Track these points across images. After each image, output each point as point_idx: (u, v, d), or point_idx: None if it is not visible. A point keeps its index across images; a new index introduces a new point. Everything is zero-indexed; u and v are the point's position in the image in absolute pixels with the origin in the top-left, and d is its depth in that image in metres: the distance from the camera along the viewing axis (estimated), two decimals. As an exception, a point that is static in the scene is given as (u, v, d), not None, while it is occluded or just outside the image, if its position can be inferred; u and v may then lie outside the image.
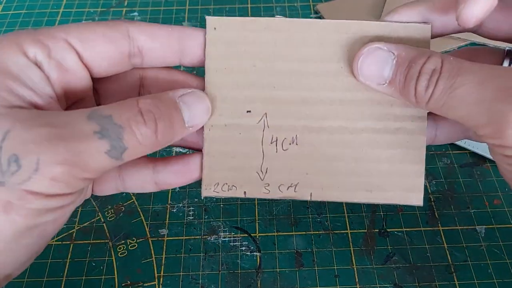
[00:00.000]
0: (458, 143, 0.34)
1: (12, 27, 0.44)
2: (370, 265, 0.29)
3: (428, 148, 0.34)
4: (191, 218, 0.31)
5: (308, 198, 0.25)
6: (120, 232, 0.31)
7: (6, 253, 0.20)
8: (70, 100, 0.23)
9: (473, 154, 0.34)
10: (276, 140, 0.25)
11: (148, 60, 0.24)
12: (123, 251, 0.30)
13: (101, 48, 0.23)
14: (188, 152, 0.26)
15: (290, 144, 0.25)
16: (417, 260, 0.29)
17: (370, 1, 0.45)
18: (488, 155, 0.33)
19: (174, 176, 0.25)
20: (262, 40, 0.25)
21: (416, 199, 0.25)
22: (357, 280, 0.28)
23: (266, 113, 0.25)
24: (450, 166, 0.34)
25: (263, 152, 0.25)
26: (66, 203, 0.21)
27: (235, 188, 0.25)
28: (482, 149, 0.33)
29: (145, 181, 0.25)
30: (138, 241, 0.30)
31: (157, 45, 0.24)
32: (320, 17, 0.44)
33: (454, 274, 0.29)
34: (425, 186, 0.32)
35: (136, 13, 0.45)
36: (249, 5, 0.46)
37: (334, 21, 0.25)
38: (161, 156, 0.34)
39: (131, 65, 0.24)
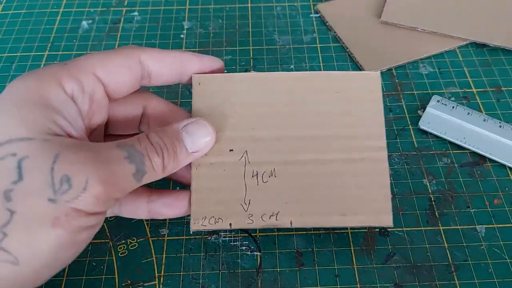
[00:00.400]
0: (458, 142, 0.34)
1: (12, 26, 0.44)
2: (370, 265, 0.29)
3: (429, 147, 0.34)
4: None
5: (289, 226, 0.27)
6: (120, 232, 0.31)
7: (46, 266, 0.22)
8: (89, 130, 0.26)
9: (474, 154, 0.34)
10: (257, 174, 0.28)
11: (154, 81, 0.28)
12: (124, 250, 0.30)
13: (122, 77, 0.26)
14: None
15: (269, 176, 0.28)
16: (417, 259, 0.29)
17: (370, 1, 0.45)
18: (489, 155, 0.33)
19: (165, 208, 0.28)
20: (240, 90, 0.29)
21: (386, 221, 0.27)
22: (357, 279, 0.28)
23: (246, 151, 0.28)
24: (450, 166, 0.34)
25: (245, 185, 0.28)
26: (98, 222, 0.23)
27: (221, 220, 0.28)
28: (482, 148, 0.34)
29: (139, 208, 0.29)
30: (138, 240, 0.30)
31: (164, 69, 0.28)
32: (320, 17, 0.44)
33: (454, 273, 0.29)
34: (426, 186, 0.32)
35: (136, 13, 0.45)
36: (249, 5, 0.46)
37: (299, 73, 0.30)
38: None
39: (139, 86, 0.28)
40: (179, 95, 0.38)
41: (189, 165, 0.28)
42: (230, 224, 0.27)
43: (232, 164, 0.28)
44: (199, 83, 0.29)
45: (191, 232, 0.29)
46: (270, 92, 0.29)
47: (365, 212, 0.27)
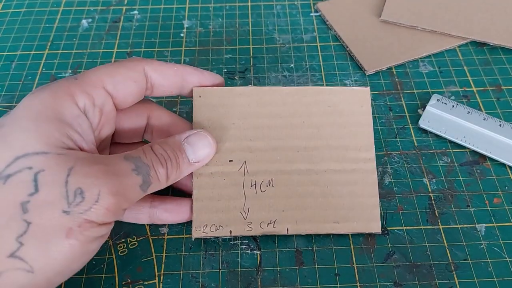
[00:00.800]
0: (458, 141, 0.34)
1: (12, 25, 0.44)
2: (370, 264, 0.29)
3: (429, 146, 0.34)
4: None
5: (286, 233, 0.29)
6: (120, 230, 0.31)
7: (58, 274, 0.23)
8: (98, 141, 0.27)
9: (473, 153, 0.34)
10: (255, 183, 0.29)
11: (156, 92, 0.29)
12: (124, 249, 0.30)
13: (128, 89, 0.27)
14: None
15: (267, 186, 0.29)
16: (417, 258, 0.29)
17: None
18: (489, 154, 0.33)
19: (167, 213, 0.29)
20: (238, 103, 0.30)
21: (375, 227, 0.29)
22: (357, 278, 0.28)
23: (245, 161, 0.30)
24: (450, 165, 0.34)
25: (244, 194, 0.29)
26: (107, 232, 0.24)
27: (221, 228, 0.29)
28: (482, 147, 0.34)
29: (141, 213, 0.30)
30: (138, 239, 0.30)
31: (166, 81, 0.29)
32: (320, 16, 0.44)
33: (454, 272, 0.29)
34: (425, 185, 0.33)
35: (136, 11, 0.45)
36: (249, 3, 0.46)
37: (294, 87, 0.31)
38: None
39: (143, 96, 0.29)
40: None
41: (191, 174, 0.29)
42: (230, 232, 0.29)
43: (232, 174, 0.29)
44: (200, 96, 0.30)
45: (192, 239, 0.30)
46: (267, 105, 0.30)
47: (356, 219, 0.29)
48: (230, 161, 0.30)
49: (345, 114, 0.31)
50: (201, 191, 0.29)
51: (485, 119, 0.34)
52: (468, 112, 0.35)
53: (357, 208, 0.29)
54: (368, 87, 0.31)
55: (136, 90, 0.28)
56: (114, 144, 0.31)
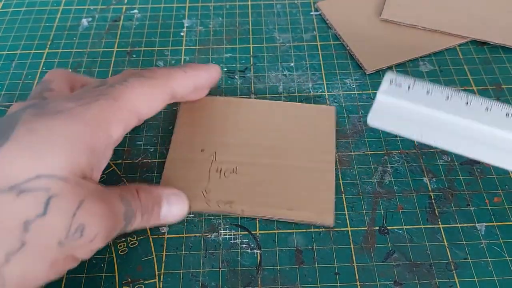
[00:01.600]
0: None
1: (12, 24, 0.44)
2: (370, 263, 0.29)
3: (429, 145, 0.34)
4: (191, 215, 0.31)
5: (241, 214, 0.31)
6: (120, 229, 0.31)
7: None
8: None
9: (474, 152, 0.34)
10: (221, 169, 0.32)
11: (172, 101, 0.30)
12: (124, 248, 0.30)
13: (156, 110, 0.28)
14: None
15: (231, 173, 0.32)
16: (417, 257, 0.29)
17: (370, -1, 0.45)
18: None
19: None
20: (216, 109, 0.35)
21: (328, 220, 0.30)
22: (357, 277, 0.29)
23: (215, 151, 0.33)
24: (451, 164, 0.34)
25: (209, 177, 0.32)
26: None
27: None
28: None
29: None
30: (138, 238, 0.30)
31: (186, 92, 0.31)
32: (320, 15, 0.44)
33: (454, 271, 0.29)
34: (426, 184, 0.33)
35: (136, 11, 0.45)
36: (249, 2, 0.46)
37: (267, 101, 0.36)
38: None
39: None
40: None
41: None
42: (190, 207, 0.30)
43: (201, 160, 0.33)
44: (184, 107, 0.35)
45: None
46: (240, 112, 0.35)
47: (310, 209, 0.30)
48: (202, 150, 0.33)
49: (311, 124, 0.34)
50: (171, 168, 0.32)
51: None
52: (428, 92, 0.27)
53: (313, 201, 0.31)
54: (334, 107, 0.36)
55: (160, 108, 0.28)
56: None
